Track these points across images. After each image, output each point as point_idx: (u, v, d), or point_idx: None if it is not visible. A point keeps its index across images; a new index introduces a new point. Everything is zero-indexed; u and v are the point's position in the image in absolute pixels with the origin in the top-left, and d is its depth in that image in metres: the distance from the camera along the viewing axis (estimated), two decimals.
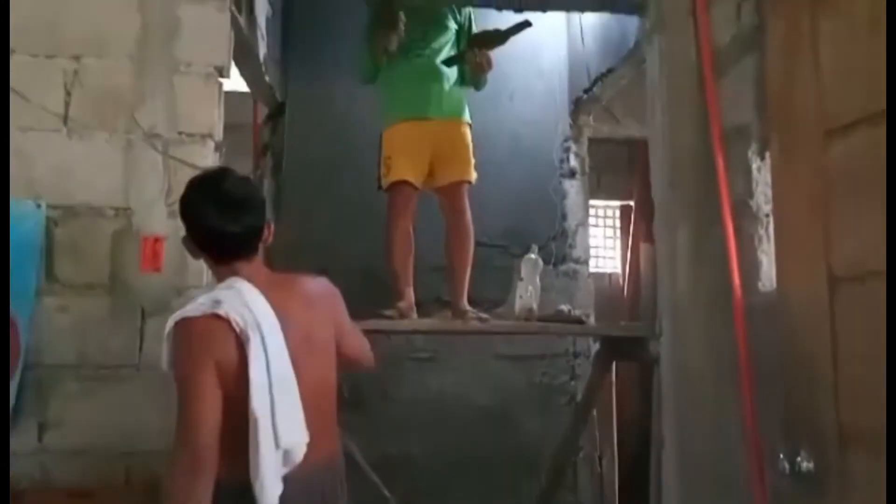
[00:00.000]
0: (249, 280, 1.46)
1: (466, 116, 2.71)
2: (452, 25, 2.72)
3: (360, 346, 1.71)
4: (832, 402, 1.22)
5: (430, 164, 2.62)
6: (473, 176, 2.67)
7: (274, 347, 1.39)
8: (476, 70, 2.66)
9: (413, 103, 2.61)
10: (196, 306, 1.40)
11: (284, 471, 1.39)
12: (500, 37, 2.62)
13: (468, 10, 2.79)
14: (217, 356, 1.34)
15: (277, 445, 1.36)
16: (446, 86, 2.65)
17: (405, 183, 2.58)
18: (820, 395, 1.26)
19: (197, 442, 1.29)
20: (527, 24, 2.58)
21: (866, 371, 1.15)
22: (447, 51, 2.69)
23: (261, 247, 1.54)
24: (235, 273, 1.48)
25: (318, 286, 1.62)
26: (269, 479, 1.35)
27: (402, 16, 2.59)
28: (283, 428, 1.37)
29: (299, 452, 1.41)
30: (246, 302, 1.40)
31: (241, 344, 1.36)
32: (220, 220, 1.44)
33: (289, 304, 1.48)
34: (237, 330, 1.36)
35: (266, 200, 1.56)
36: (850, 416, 1.20)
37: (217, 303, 1.38)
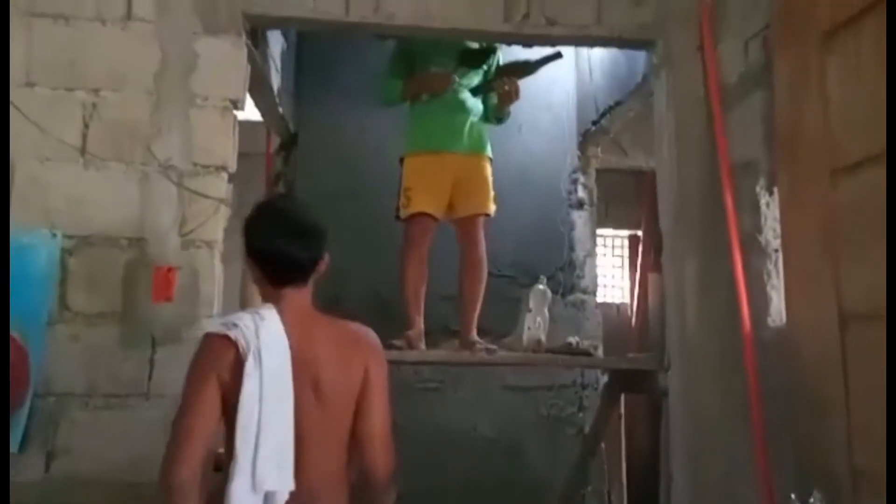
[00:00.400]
0: (285, 309, 1.44)
1: (488, 151, 2.73)
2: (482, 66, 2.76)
3: (380, 431, 1.47)
4: (845, 443, 1.21)
5: (450, 196, 2.64)
6: (492, 209, 2.69)
7: (271, 384, 1.36)
8: (504, 99, 2.67)
9: (438, 136, 2.64)
10: (218, 324, 1.44)
11: None
12: (530, 67, 2.64)
13: (497, 50, 2.81)
14: (220, 372, 1.37)
15: (254, 488, 1.33)
16: (471, 121, 2.68)
17: (424, 215, 2.60)
18: (832, 435, 1.25)
19: (173, 472, 1.30)
20: (558, 55, 2.60)
21: (878, 412, 1.14)
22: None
23: (312, 278, 1.50)
24: (279, 299, 1.46)
25: (354, 332, 1.52)
26: None
27: (455, 79, 2.63)
28: (263, 469, 1.33)
29: (281, 498, 1.35)
30: (259, 330, 1.39)
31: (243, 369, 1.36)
32: (285, 244, 1.45)
33: (310, 345, 1.42)
34: (242, 355, 1.36)
35: (326, 234, 1.51)
36: (863, 457, 1.19)
37: (234, 326, 1.40)
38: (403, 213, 2.63)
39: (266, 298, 1.49)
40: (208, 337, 1.41)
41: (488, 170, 2.71)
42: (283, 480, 1.34)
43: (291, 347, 1.40)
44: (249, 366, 1.35)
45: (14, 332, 1.88)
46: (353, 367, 1.45)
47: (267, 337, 1.39)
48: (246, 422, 1.34)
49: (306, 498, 1.37)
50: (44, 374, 1.91)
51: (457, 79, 2.65)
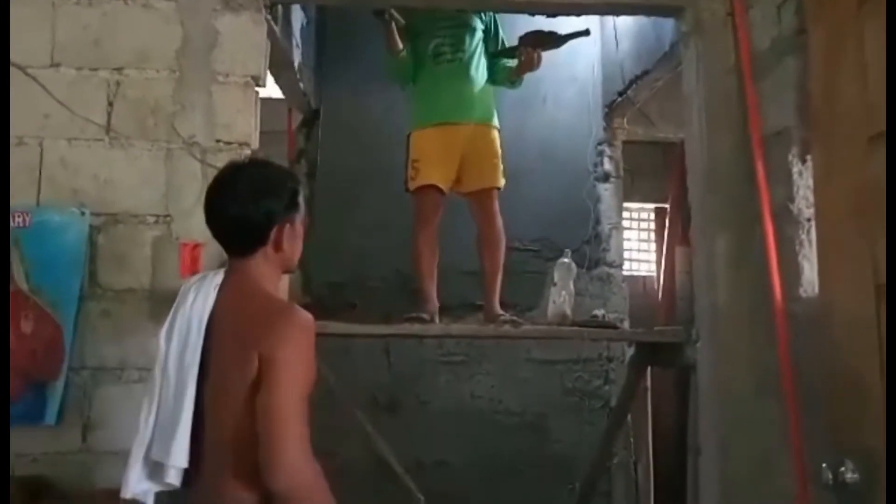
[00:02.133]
0: (229, 280, 1.37)
1: (495, 121, 2.70)
2: (480, 26, 2.72)
3: (272, 431, 1.17)
4: (880, 414, 1.19)
5: (458, 169, 2.62)
6: (502, 182, 2.65)
7: (177, 351, 1.32)
8: (525, 66, 2.63)
9: (443, 108, 2.61)
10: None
11: (150, 486, 1.33)
12: (556, 39, 2.60)
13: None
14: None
15: (149, 454, 1.31)
16: (476, 90, 2.64)
17: (432, 187, 2.58)
18: (867, 408, 1.22)
19: None
20: (586, 32, 2.57)
21: None
22: (478, 53, 2.69)
23: (268, 254, 1.36)
24: (230, 269, 1.39)
25: (262, 311, 1.29)
26: (131, 480, 1.32)
27: (392, 13, 2.55)
28: (157, 436, 1.30)
29: (172, 476, 1.30)
30: (188, 293, 1.36)
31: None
32: (220, 202, 1.35)
33: (226, 322, 1.31)
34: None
35: (274, 197, 1.36)
36: None
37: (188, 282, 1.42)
38: (412, 186, 2.61)
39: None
40: None
41: (497, 141, 2.67)
42: (168, 454, 1.27)
43: (212, 321, 1.32)
44: (162, 330, 1.36)
45: (48, 309, 1.93)
46: (247, 348, 1.23)
47: (189, 302, 1.34)
48: (150, 384, 1.36)
49: (211, 482, 1.28)
50: (77, 348, 1.95)
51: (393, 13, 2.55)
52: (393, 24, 2.55)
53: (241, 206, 1.32)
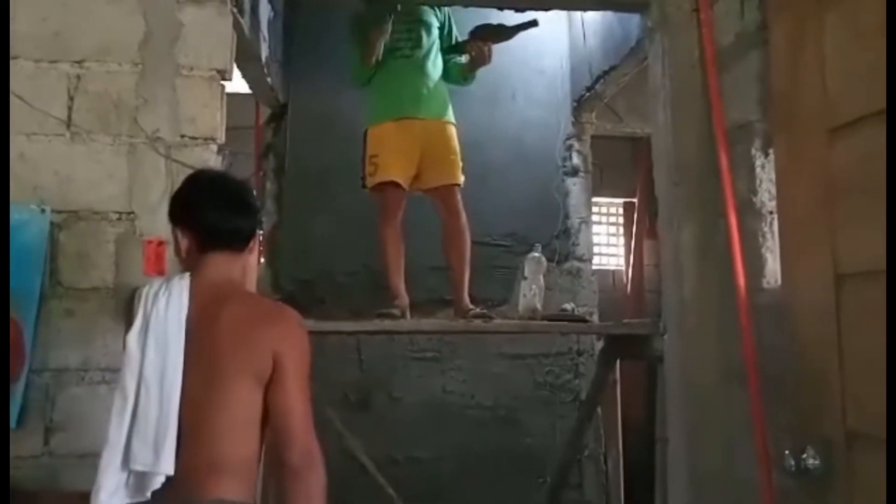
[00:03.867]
0: (201, 278, 1.41)
1: (451, 116, 2.70)
2: (436, 23, 2.73)
3: (292, 416, 1.32)
4: (839, 401, 1.22)
5: (418, 165, 2.61)
6: (461, 178, 2.65)
7: (156, 356, 1.32)
8: (476, 61, 2.65)
9: (401, 103, 2.61)
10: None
11: (128, 498, 1.30)
12: (505, 32, 2.61)
13: (446, 8, 2.78)
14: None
15: (123, 464, 1.29)
16: (432, 85, 2.64)
17: (393, 184, 2.57)
18: (826, 393, 1.26)
19: None
20: (534, 22, 2.59)
21: (871, 369, 1.14)
22: (434, 50, 2.69)
23: (244, 251, 1.51)
24: (201, 266, 1.43)
25: (266, 312, 1.41)
26: (103, 494, 1.28)
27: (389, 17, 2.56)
28: (136, 446, 1.29)
29: (155, 481, 1.29)
30: (157, 299, 1.36)
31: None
32: (228, 213, 1.46)
33: (212, 322, 1.35)
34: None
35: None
36: (856, 414, 1.19)
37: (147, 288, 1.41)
38: (370, 182, 2.60)
39: (188, 267, 1.46)
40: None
41: (454, 136, 2.67)
42: (157, 462, 1.28)
43: (190, 323, 1.35)
44: (131, 335, 1.35)
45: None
46: (259, 349, 1.33)
47: (162, 307, 1.35)
48: (122, 392, 1.32)
49: (193, 484, 1.29)
50: (39, 349, 1.90)
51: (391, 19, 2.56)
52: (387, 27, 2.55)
53: (253, 220, 1.51)
